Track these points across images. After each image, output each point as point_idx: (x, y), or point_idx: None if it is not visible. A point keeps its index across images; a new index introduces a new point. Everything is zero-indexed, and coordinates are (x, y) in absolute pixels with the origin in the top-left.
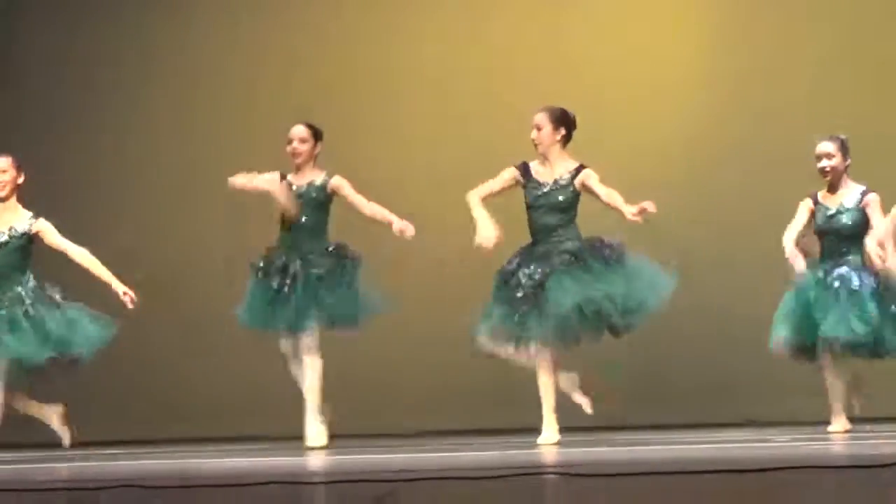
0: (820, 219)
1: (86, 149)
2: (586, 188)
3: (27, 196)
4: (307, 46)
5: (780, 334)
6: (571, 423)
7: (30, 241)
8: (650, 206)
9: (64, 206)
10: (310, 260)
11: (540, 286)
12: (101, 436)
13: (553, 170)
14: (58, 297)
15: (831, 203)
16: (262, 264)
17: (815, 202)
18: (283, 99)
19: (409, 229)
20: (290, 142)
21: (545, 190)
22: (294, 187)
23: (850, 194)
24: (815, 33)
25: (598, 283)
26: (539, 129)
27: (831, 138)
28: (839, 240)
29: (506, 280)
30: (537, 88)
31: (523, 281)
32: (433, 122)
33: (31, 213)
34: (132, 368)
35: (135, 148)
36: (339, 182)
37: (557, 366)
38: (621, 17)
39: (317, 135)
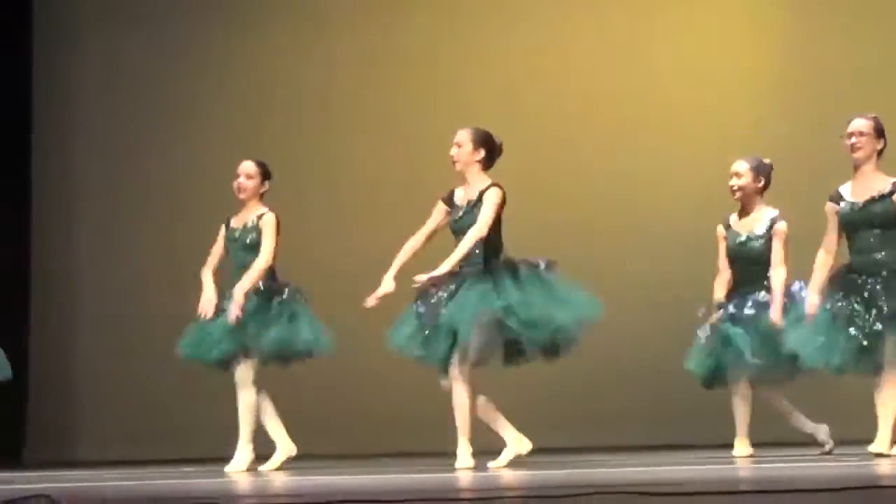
0: (731, 244)
1: (158, 161)
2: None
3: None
4: (378, 62)
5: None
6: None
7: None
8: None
9: (135, 218)
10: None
11: (450, 298)
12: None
13: (470, 191)
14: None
15: (741, 228)
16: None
17: (727, 227)
18: (354, 114)
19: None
20: (236, 176)
21: (461, 214)
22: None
23: (761, 220)
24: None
25: (500, 296)
26: (459, 146)
27: (747, 158)
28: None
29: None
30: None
31: (433, 300)
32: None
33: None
34: None
35: (208, 161)
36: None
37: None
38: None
39: (265, 173)
